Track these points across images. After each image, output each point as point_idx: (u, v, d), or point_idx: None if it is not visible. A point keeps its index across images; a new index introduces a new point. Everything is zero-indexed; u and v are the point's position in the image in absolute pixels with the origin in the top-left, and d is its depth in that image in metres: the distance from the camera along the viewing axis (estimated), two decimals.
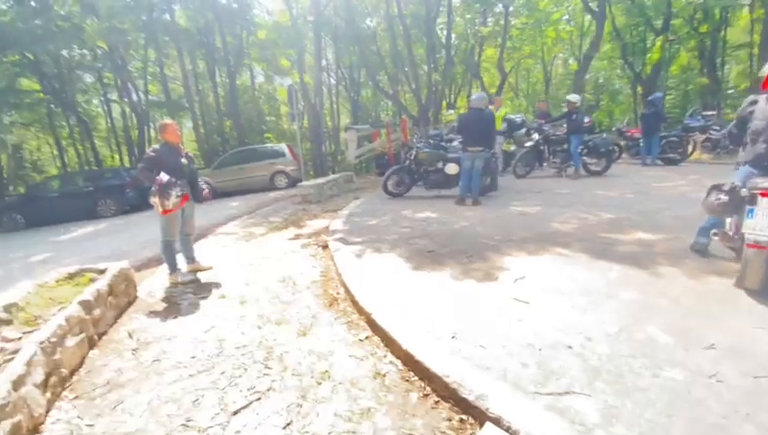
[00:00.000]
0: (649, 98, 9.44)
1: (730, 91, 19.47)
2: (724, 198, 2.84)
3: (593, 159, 8.23)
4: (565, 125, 8.19)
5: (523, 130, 10.07)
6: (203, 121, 19.18)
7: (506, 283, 3.12)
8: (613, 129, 13.84)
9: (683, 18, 17.62)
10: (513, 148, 10.51)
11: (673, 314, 2.49)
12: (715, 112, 10.66)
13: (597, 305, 2.65)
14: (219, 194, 11.70)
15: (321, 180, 8.76)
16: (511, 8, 19.53)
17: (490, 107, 8.90)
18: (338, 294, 3.32)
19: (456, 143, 7.72)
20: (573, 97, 8.26)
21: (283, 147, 11.80)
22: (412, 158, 6.83)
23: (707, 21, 16.84)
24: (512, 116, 9.60)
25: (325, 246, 4.54)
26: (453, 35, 22.17)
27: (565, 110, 8.31)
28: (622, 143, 10.21)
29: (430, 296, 2.93)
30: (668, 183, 7.09)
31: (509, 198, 6.55)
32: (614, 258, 3.47)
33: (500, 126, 8.71)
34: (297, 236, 5.28)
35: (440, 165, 6.71)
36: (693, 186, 6.72)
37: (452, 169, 6.53)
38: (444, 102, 21.32)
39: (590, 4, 14.77)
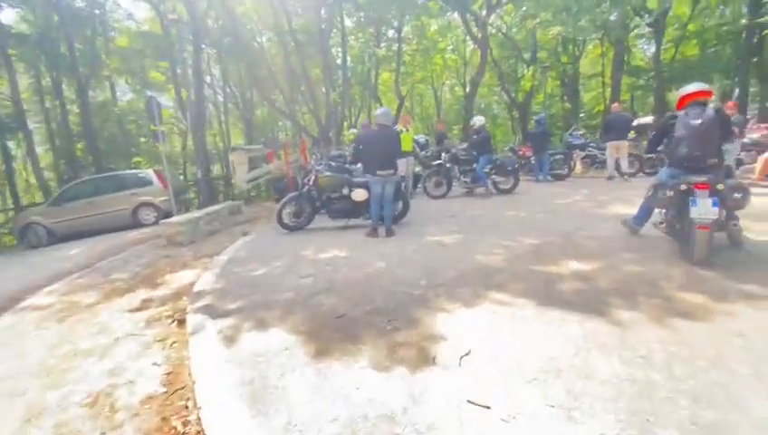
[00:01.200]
0: (536, 118, 9.85)
1: (581, 115, 22.65)
2: (669, 193, 3.39)
3: (502, 178, 8.09)
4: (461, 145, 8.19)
5: (428, 151, 9.69)
6: (52, 145, 15.32)
7: (450, 366, 2.13)
8: (506, 148, 14.57)
9: (547, 50, 19.81)
10: (418, 168, 10.06)
11: (679, 394, 1.74)
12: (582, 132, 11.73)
13: (581, 398, 1.79)
14: (57, 238, 8.92)
15: (195, 214, 6.96)
16: (402, 33, 20.12)
17: (397, 126, 8.31)
18: (186, 424, 1.94)
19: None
20: (479, 119, 8.23)
21: (149, 173, 9.52)
22: (311, 183, 5.65)
23: (566, 53, 19.31)
24: (416, 137, 9.14)
25: (182, 321, 3.07)
26: (349, 58, 22.08)
27: (474, 135, 8.18)
28: None
29: (343, 419, 1.77)
30: (566, 199, 7.13)
31: (423, 224, 5.79)
32: (563, 304, 2.76)
33: (410, 146, 8.10)
34: (144, 305, 3.61)
35: (345, 191, 5.66)
36: (588, 201, 6.85)
37: (359, 195, 5.52)
38: (345, 123, 20.74)
39: (473, 32, 15.59)
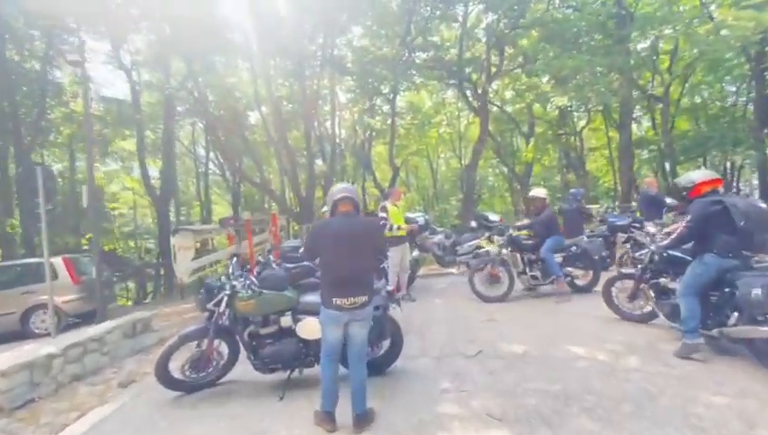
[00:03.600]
0: (572, 191, 7.62)
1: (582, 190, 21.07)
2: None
3: (579, 270, 5.56)
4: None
5: (427, 233, 7.32)
6: None
7: None
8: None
9: (547, 122, 18.67)
10: (415, 253, 7.62)
11: None
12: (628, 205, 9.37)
13: None
14: None
15: (49, 348, 4.16)
16: (396, 107, 19.19)
17: (384, 203, 6.03)
18: None
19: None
20: (540, 192, 5.90)
21: (55, 262, 6.94)
22: (222, 310, 3.07)
23: (566, 125, 18.12)
24: (410, 215, 6.79)
25: None
26: (343, 131, 21.01)
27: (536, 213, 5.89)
28: None
29: None
30: None
31: (437, 378, 3.17)
32: None
33: (400, 220, 5.70)
34: None
35: (286, 321, 3.09)
36: None
37: (309, 329, 2.95)
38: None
39: (471, 103, 14.28)
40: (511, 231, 5.67)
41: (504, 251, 5.53)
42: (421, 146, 23.85)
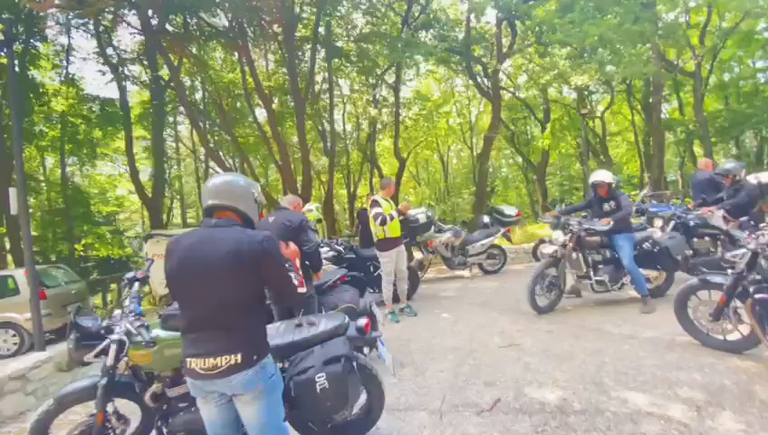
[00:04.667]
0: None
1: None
2: None
3: (652, 270, 4.39)
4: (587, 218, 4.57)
5: (432, 231, 6.22)
6: None
7: None
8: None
9: (564, 105, 17.23)
10: (419, 256, 6.55)
11: None
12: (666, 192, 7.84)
13: None
14: None
15: None
16: (400, 93, 18.09)
17: (377, 196, 4.93)
18: None
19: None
20: (605, 175, 4.32)
21: (16, 275, 6.13)
22: (112, 364, 2.07)
23: (584, 107, 16.63)
24: (414, 211, 5.65)
25: None
26: (349, 125, 20.02)
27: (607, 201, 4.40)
28: None
29: None
30: None
31: None
32: None
33: (397, 230, 4.59)
34: None
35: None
36: None
37: None
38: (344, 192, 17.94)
39: (482, 86, 13.02)
40: (584, 225, 4.18)
41: (570, 251, 4.18)
42: (430, 138, 22.61)
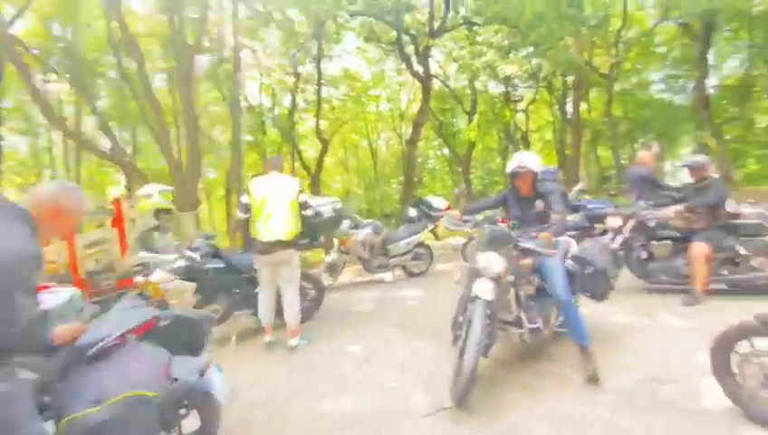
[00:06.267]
0: (549, 169, 5.44)
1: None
2: None
3: None
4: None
5: (346, 227, 4.82)
6: None
7: None
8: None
9: (493, 97, 17.02)
10: (329, 258, 5.14)
11: None
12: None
13: None
14: None
15: None
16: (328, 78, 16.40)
17: (250, 184, 3.21)
18: None
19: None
20: (531, 160, 2.79)
21: None
22: None
23: (508, 103, 16.60)
24: (318, 202, 4.12)
25: None
26: (267, 99, 17.62)
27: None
28: None
29: None
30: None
31: None
32: None
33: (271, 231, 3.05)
34: None
35: None
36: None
37: None
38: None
39: (413, 65, 11.87)
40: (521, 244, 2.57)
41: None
42: (359, 122, 21.14)
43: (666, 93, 19.12)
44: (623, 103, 20.11)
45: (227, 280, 3.46)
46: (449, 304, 4.10)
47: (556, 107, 16.99)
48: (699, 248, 3.51)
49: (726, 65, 16.34)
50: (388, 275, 5.59)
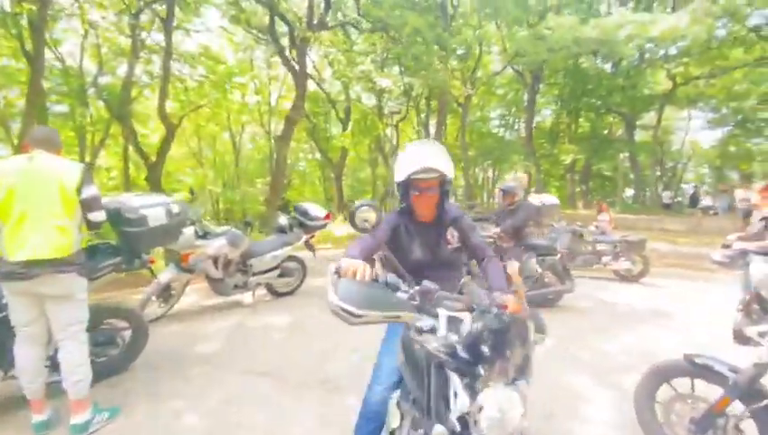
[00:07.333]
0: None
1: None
2: None
3: None
4: None
5: (191, 235, 3.57)
6: None
7: None
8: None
9: (367, 108, 17.17)
10: (162, 277, 3.77)
11: None
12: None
13: None
14: None
15: None
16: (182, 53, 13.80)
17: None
18: None
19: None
20: None
21: None
22: None
23: (384, 116, 17.06)
24: (139, 201, 2.77)
25: None
26: (90, 60, 13.50)
27: None
28: None
29: None
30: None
31: None
32: None
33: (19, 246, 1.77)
34: None
35: None
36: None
37: None
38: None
39: (287, 57, 10.78)
40: None
41: None
42: (219, 110, 18.40)
43: (500, 129, 22.97)
44: (470, 133, 23.36)
45: None
46: (327, 335, 3.37)
47: (419, 127, 18.32)
48: (511, 267, 3.82)
49: (543, 112, 20.72)
50: (247, 297, 4.46)
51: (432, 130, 17.72)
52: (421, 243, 1.66)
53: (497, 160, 19.23)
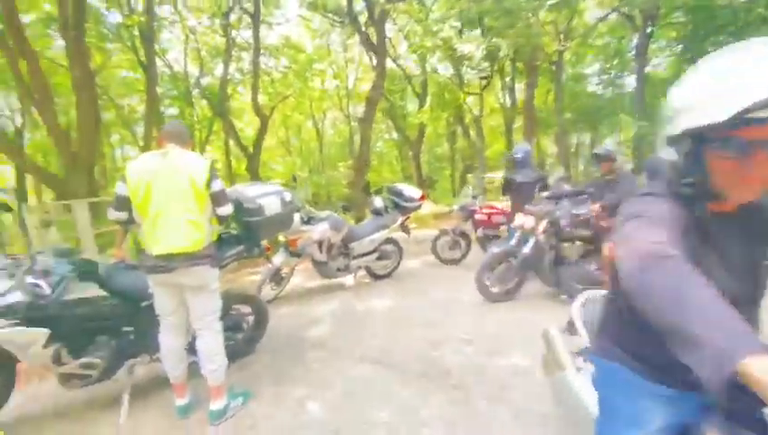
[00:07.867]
0: (517, 148, 4.45)
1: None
2: None
3: None
4: None
5: (297, 222, 3.59)
6: None
7: None
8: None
9: (445, 79, 16.27)
10: (274, 262, 3.89)
11: None
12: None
13: None
14: None
15: None
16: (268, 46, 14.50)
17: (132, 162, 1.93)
18: None
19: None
20: None
21: None
22: None
23: (464, 84, 16.02)
24: (254, 191, 2.78)
25: None
26: (194, 66, 15.07)
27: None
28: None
29: None
30: None
31: None
32: None
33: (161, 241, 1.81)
34: None
35: None
36: None
37: None
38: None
39: (366, 34, 10.56)
40: None
41: None
42: (303, 99, 19.18)
43: (598, 86, 19.91)
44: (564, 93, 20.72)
45: (110, 315, 2.10)
46: (430, 321, 3.18)
47: (505, 92, 16.78)
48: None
49: (654, 61, 17.32)
50: (349, 279, 4.46)
51: (518, 95, 16.11)
52: (732, 260, 0.84)
53: (595, 122, 16.79)
